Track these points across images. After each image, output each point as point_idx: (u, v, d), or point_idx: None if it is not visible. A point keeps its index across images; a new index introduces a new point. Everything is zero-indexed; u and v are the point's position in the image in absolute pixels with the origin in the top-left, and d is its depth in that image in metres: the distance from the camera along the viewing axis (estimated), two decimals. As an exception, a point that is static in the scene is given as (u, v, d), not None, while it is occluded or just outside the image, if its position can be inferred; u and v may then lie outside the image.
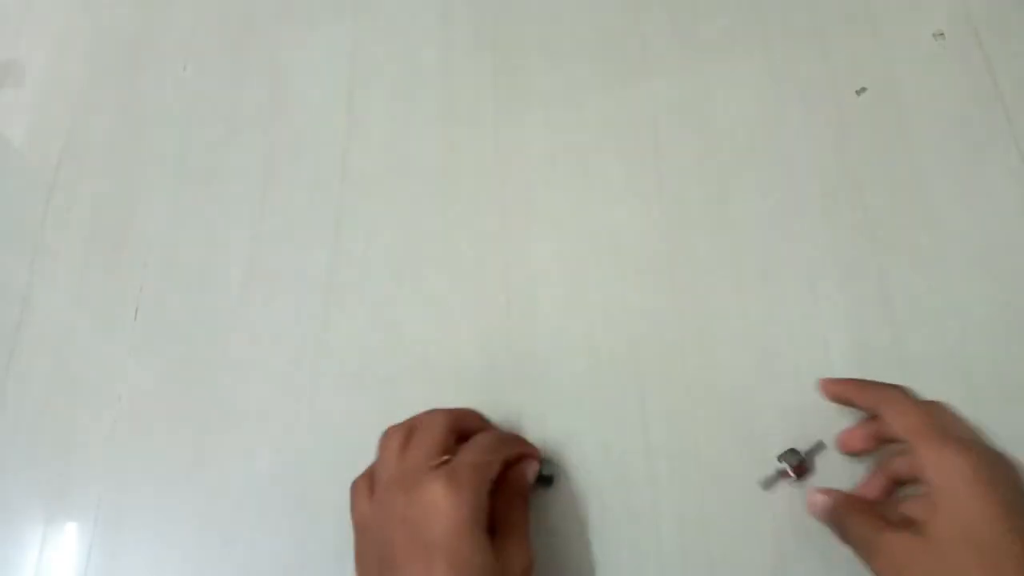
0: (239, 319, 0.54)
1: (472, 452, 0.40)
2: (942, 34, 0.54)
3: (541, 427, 0.48)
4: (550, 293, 0.52)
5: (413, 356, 0.52)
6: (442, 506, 0.37)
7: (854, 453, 0.43)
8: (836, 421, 0.45)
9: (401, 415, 0.44)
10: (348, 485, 0.43)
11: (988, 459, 0.36)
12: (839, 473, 0.44)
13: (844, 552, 0.39)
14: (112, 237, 0.59)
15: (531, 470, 0.44)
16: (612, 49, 0.58)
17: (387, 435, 0.42)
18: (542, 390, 0.49)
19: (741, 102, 0.55)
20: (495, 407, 0.49)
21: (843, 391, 0.43)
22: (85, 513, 0.51)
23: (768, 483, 0.44)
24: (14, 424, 0.54)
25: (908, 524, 0.36)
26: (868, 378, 0.44)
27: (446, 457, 0.39)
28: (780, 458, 0.44)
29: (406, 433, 0.42)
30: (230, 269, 0.56)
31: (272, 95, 0.62)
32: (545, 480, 0.46)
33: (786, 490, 0.44)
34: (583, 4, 0.60)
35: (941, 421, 0.38)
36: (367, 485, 0.41)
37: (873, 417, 0.42)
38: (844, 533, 0.39)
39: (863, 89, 0.53)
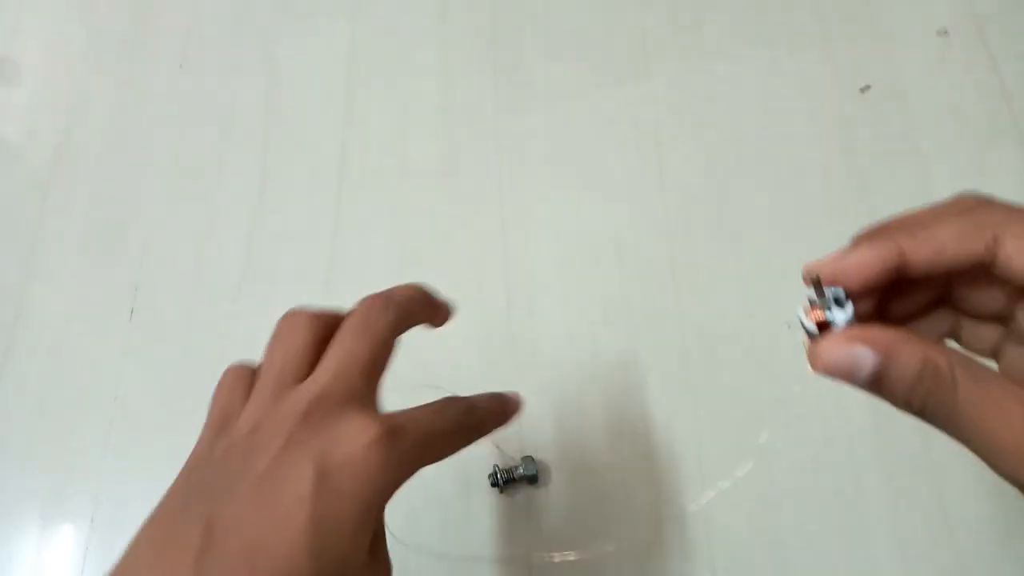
0: (236, 319, 0.54)
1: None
2: (946, 32, 0.54)
3: (541, 427, 0.47)
4: (550, 293, 0.51)
5: (412, 356, 0.51)
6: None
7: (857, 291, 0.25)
8: (841, 423, 0.44)
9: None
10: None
11: None
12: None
13: (832, 562, 0.38)
14: (108, 236, 0.58)
15: None
16: (612, 48, 0.58)
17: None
18: (542, 390, 0.48)
19: (743, 101, 0.54)
20: (495, 408, 0.48)
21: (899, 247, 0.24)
22: (81, 515, 0.50)
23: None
24: (9, 425, 0.53)
25: None
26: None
27: None
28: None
29: None
30: (227, 269, 0.56)
31: (269, 94, 0.62)
32: (530, 479, 0.45)
33: (785, 489, 0.44)
34: (583, 3, 0.60)
35: None
36: None
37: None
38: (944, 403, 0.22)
39: (867, 87, 0.53)
